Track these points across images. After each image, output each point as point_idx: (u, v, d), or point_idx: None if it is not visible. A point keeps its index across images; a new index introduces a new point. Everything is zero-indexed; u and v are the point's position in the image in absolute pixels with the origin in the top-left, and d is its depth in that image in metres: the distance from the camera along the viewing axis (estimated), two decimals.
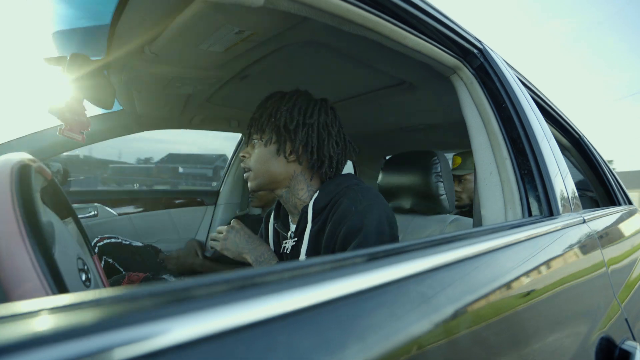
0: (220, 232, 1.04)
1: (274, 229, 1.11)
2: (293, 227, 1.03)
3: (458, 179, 2.02)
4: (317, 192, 0.98)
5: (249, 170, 1.00)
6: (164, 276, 1.45)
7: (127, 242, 1.70)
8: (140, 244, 1.78)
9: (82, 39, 1.04)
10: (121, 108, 1.72)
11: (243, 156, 1.02)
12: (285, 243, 1.04)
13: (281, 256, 1.04)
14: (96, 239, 1.65)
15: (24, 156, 0.56)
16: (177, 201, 2.37)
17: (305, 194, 1.00)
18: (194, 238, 2.36)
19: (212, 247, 1.01)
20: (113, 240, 1.65)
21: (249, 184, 1.01)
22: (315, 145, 0.95)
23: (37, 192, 0.51)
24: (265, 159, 0.98)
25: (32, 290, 0.39)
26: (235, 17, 0.83)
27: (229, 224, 1.06)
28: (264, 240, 1.14)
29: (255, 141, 0.99)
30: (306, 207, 0.97)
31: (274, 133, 0.96)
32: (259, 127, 0.97)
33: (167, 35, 0.92)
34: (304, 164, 0.99)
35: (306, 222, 0.96)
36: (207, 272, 1.56)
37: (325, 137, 0.97)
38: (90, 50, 1.09)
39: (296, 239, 0.99)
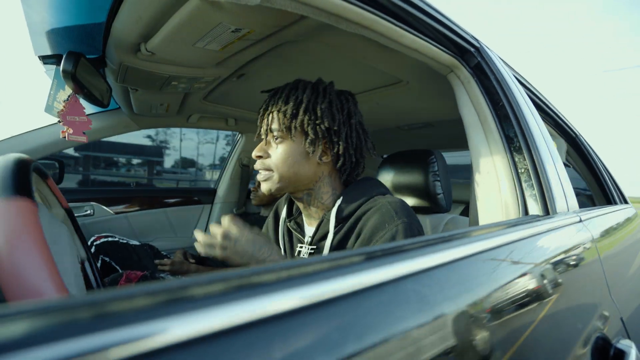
0: (215, 236, 0.80)
1: (287, 228, 1.00)
2: (310, 230, 0.94)
3: None
4: (340, 197, 0.89)
5: (269, 170, 0.88)
6: (161, 274, 1.45)
7: (125, 241, 1.70)
8: (137, 243, 1.78)
9: (78, 37, 1.03)
10: (118, 106, 1.72)
11: (259, 156, 0.89)
12: (301, 248, 0.94)
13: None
14: (93, 238, 1.64)
15: (22, 155, 0.56)
16: (173, 200, 2.36)
17: (328, 199, 0.91)
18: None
19: (207, 254, 0.81)
20: (110, 239, 1.65)
21: (266, 186, 0.89)
22: (354, 146, 0.89)
23: (35, 191, 0.51)
24: (293, 160, 0.86)
25: (33, 287, 0.39)
26: (231, 15, 0.83)
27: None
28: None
29: (278, 138, 0.87)
30: (328, 213, 0.88)
31: (310, 132, 0.85)
32: (287, 123, 0.85)
33: (163, 34, 0.92)
34: (333, 165, 0.91)
35: (326, 230, 0.87)
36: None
37: (363, 138, 0.92)
38: (86, 49, 1.08)
39: (315, 247, 0.90)
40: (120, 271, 1.50)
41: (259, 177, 0.90)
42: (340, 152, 0.87)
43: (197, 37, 0.94)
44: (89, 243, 1.59)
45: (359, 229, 0.83)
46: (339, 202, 0.88)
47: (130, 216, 2.13)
